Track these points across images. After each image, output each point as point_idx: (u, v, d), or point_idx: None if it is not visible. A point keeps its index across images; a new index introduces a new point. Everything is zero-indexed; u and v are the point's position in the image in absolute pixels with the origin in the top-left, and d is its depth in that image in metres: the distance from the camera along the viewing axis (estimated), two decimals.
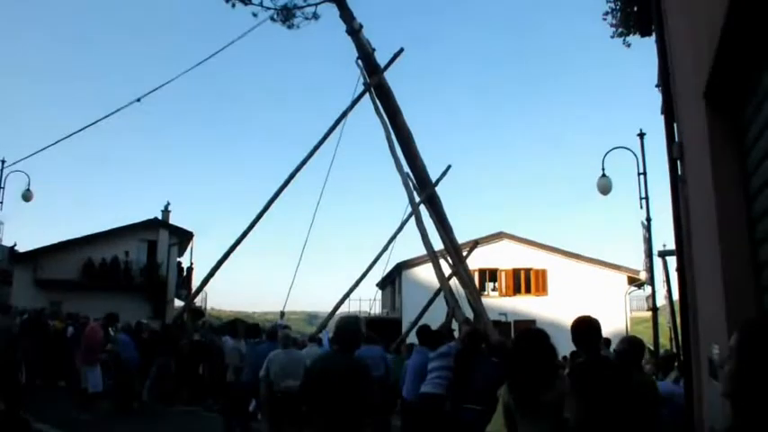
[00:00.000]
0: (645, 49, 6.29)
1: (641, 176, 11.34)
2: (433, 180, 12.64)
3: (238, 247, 10.84)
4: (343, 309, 15.13)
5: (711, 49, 2.48)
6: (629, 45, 7.18)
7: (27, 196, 16.56)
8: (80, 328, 12.72)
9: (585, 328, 3.53)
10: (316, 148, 10.89)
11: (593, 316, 3.64)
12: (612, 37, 7.18)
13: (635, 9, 6.80)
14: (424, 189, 12.06)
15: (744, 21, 2.15)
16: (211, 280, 12.10)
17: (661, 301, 11.18)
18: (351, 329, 4.11)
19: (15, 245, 25.49)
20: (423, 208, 11.59)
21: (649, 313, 12.55)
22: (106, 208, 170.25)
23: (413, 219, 11.18)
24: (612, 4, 7.09)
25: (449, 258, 12.22)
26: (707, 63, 2.64)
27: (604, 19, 7.18)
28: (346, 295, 13.71)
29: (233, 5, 11.01)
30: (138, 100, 10.79)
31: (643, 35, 6.85)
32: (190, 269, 28.98)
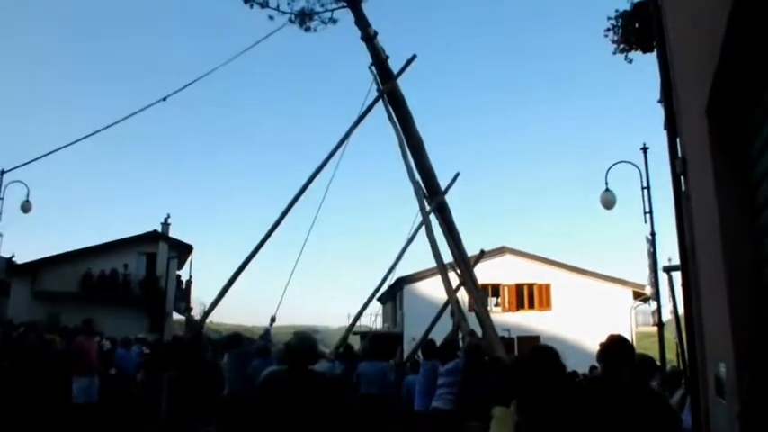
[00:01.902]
0: (649, 63, 6.32)
1: (645, 191, 11.35)
2: (442, 188, 12.55)
3: (242, 260, 10.60)
4: (342, 324, 14.99)
5: (712, 66, 2.49)
6: (630, 61, 7.21)
7: (26, 207, 16.44)
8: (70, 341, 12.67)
9: (608, 346, 3.50)
10: (329, 157, 10.69)
11: (621, 335, 3.63)
12: (614, 53, 7.22)
13: (636, 26, 6.84)
14: (433, 197, 11.99)
15: (744, 37, 2.15)
16: (210, 293, 11.98)
17: (667, 315, 11.10)
18: (305, 345, 4.04)
19: (13, 256, 25.48)
20: (432, 217, 11.49)
21: (655, 328, 12.46)
22: (106, 220, 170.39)
23: (421, 231, 11.07)
24: (614, 21, 7.12)
25: (457, 269, 12.13)
26: (708, 79, 2.64)
27: (606, 35, 7.22)
28: (361, 311, 13.42)
29: (251, 6, 11.13)
30: (164, 99, 10.70)
31: (645, 51, 6.88)
32: (189, 282, 28.96)
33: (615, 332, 3.61)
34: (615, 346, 3.48)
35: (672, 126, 4.20)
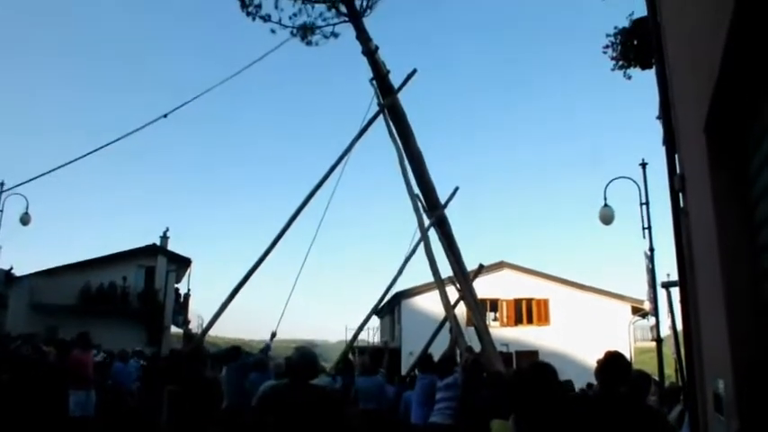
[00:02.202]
0: (648, 79, 6.39)
1: (643, 206, 11.40)
2: (441, 202, 12.57)
3: (241, 274, 10.57)
4: (341, 338, 14.89)
5: (710, 84, 2.51)
6: (629, 77, 7.30)
7: (25, 220, 16.47)
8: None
9: (605, 363, 3.51)
10: (330, 171, 10.68)
11: (618, 351, 3.64)
12: (613, 70, 7.30)
13: (635, 42, 6.92)
14: (433, 211, 12.00)
15: (742, 56, 2.18)
16: (209, 307, 11.93)
17: (665, 331, 11.11)
18: (306, 360, 4.08)
19: (12, 268, 25.44)
20: (431, 232, 11.47)
21: (654, 343, 12.44)
22: (105, 233, 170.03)
23: (420, 245, 11.04)
24: (612, 38, 7.22)
25: (457, 284, 12.10)
26: (706, 97, 2.66)
27: (604, 52, 7.31)
28: (361, 326, 13.33)
29: (253, 19, 11.26)
30: (165, 116, 10.70)
31: (644, 68, 6.96)
32: (187, 296, 28.92)
33: (612, 348, 3.62)
34: (612, 363, 3.49)
35: (670, 142, 4.23)
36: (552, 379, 3.39)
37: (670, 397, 7.30)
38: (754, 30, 1.97)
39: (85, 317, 22.45)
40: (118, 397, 11.56)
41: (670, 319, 9.65)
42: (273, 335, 10.22)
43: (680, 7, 3.45)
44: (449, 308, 9.87)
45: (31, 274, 25.58)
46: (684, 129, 3.78)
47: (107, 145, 10.77)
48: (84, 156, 10.79)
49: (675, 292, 9.08)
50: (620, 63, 7.27)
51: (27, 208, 16.35)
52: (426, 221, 11.34)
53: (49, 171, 10.98)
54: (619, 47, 7.20)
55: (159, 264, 27.06)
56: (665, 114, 4.38)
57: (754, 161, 2.63)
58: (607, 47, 7.35)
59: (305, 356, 4.11)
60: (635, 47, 6.97)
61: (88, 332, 10.48)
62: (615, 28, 7.23)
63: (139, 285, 26.65)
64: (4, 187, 16.11)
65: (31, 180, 11.74)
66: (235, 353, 9.20)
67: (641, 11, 6.49)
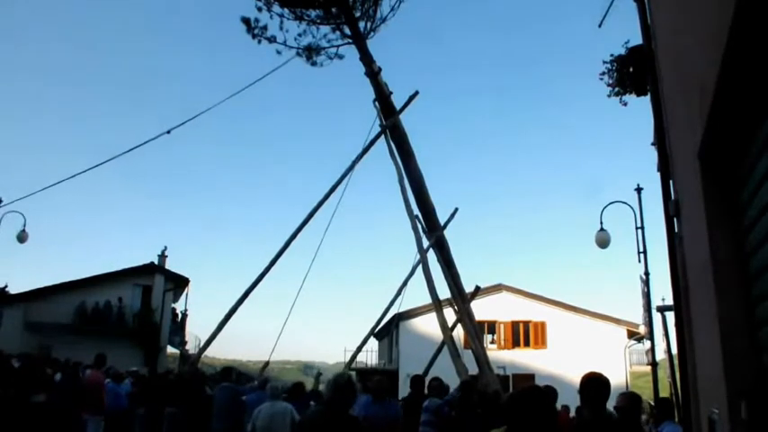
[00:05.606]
0: (644, 105, 6.48)
1: (639, 231, 11.45)
2: (440, 224, 12.57)
3: (238, 294, 10.53)
4: (339, 360, 14.77)
5: (704, 112, 2.56)
6: (625, 104, 7.39)
7: (22, 237, 16.40)
8: (70, 374, 12.44)
9: (592, 384, 3.51)
10: (331, 191, 10.69)
11: (599, 371, 3.64)
12: (609, 96, 7.40)
13: (630, 70, 7.03)
14: (432, 233, 12.01)
15: (735, 83, 2.23)
16: (206, 327, 11.86)
17: (661, 355, 11.08)
18: (344, 387, 4.01)
19: (6, 286, 25.27)
20: (430, 253, 11.45)
21: (649, 367, 12.39)
22: (102, 252, 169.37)
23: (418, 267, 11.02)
24: (609, 65, 7.33)
25: (454, 305, 12.07)
26: (700, 124, 2.72)
27: (601, 79, 7.41)
28: (359, 348, 13.22)
29: (259, 41, 11.41)
30: (168, 132, 10.75)
31: (639, 95, 7.06)
32: (184, 315, 28.69)
33: (602, 372, 3.63)
34: (594, 384, 3.51)
35: (665, 169, 4.29)
36: (550, 400, 3.39)
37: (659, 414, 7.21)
38: (748, 58, 2.03)
39: (80, 336, 22.26)
40: (113, 419, 11.36)
41: (665, 343, 9.64)
42: (266, 364, 10.17)
43: (674, 35, 3.53)
44: (446, 330, 9.85)
45: (25, 293, 25.39)
46: (679, 155, 3.84)
47: (111, 160, 10.85)
48: (85, 171, 10.88)
49: (670, 316, 9.10)
50: (616, 90, 7.37)
51: (24, 225, 16.30)
52: (426, 243, 11.35)
53: (48, 186, 11.04)
54: (615, 74, 7.30)
55: (156, 283, 26.88)
56: (660, 140, 4.45)
57: (748, 187, 2.67)
58: (603, 73, 7.46)
59: (341, 382, 4.02)
60: (630, 74, 7.07)
61: (105, 354, 10.40)
62: (611, 55, 7.35)
63: (136, 305, 26.44)
64: (2, 203, 16.02)
65: (30, 194, 11.78)
66: (228, 374, 9.16)
67: (637, 38, 6.62)
